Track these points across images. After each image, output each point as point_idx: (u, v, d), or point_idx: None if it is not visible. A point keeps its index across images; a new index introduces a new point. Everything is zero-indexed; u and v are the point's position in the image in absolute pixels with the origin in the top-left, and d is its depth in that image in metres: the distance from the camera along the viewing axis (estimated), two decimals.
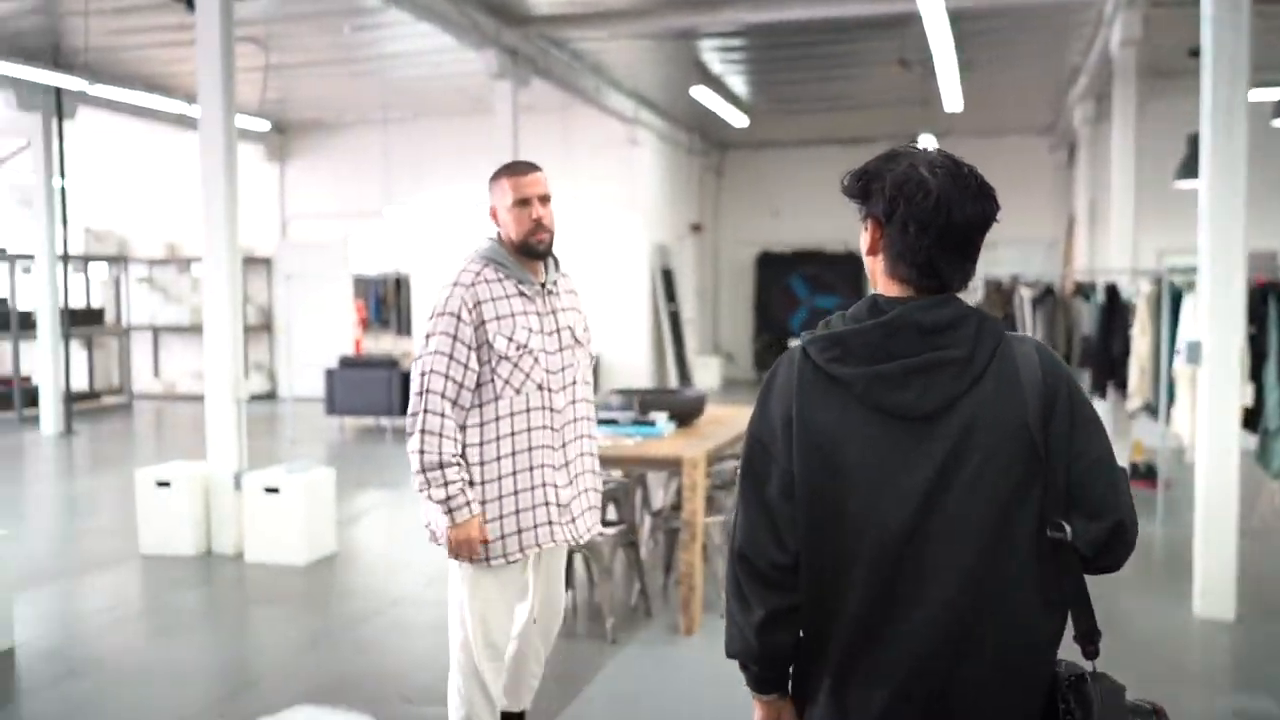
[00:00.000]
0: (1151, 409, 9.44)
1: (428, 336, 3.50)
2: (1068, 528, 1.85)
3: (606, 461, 5.72)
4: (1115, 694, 1.84)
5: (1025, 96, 15.80)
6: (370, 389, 13.12)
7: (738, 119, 15.60)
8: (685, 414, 6.52)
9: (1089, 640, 1.92)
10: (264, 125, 16.15)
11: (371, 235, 16.94)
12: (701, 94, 13.94)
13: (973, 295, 12.32)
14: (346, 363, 13.50)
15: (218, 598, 6.74)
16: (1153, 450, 9.93)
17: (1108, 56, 11.17)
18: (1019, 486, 1.84)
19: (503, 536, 3.56)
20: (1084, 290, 9.73)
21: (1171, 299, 9.32)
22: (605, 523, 6.08)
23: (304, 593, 6.74)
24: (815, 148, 19.03)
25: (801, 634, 1.98)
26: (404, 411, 13.10)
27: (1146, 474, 9.69)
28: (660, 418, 6.28)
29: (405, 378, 13.05)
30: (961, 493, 1.83)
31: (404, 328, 17.12)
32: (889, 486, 1.85)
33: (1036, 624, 1.87)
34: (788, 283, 18.91)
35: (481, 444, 3.52)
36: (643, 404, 6.41)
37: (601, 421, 6.24)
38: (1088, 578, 1.92)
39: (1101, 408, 10.23)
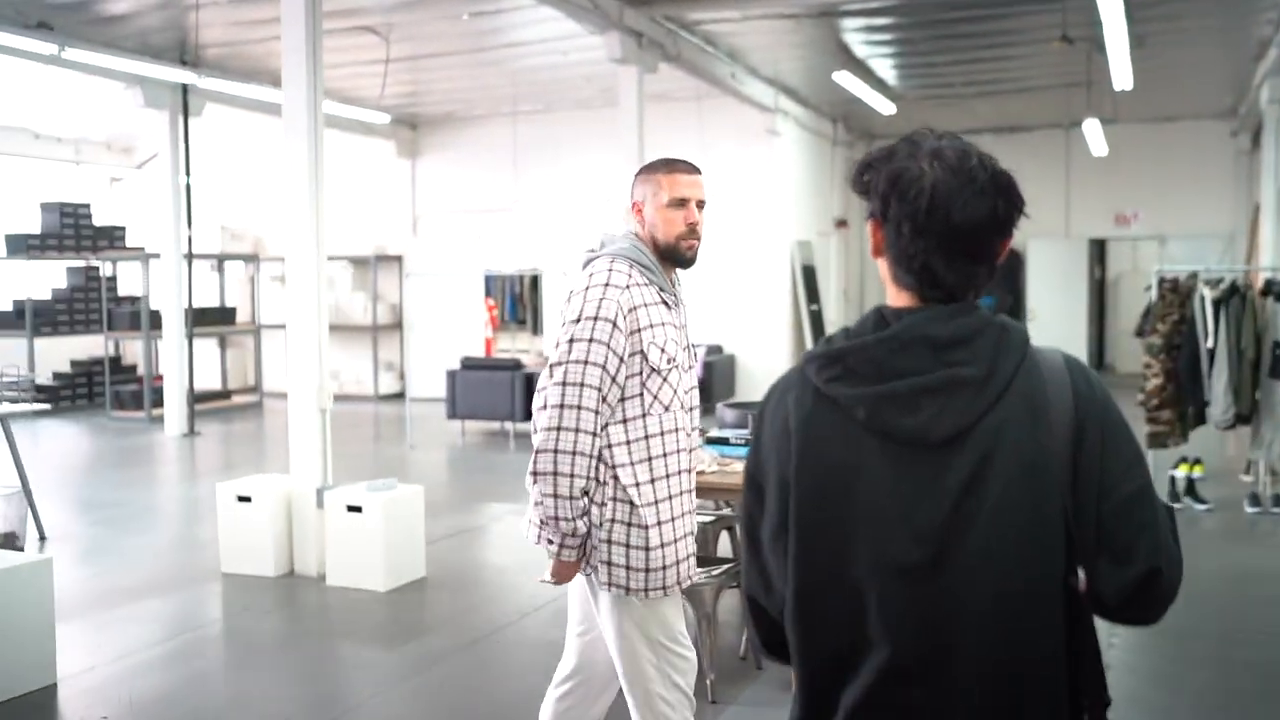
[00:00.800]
0: None
1: (571, 342, 3.07)
2: (1080, 574, 1.64)
3: (713, 490, 4.96)
4: None
5: (1203, 75, 14.39)
6: (493, 392, 12.58)
7: (884, 106, 14.60)
8: None
9: (1095, 705, 1.70)
10: (384, 119, 15.66)
11: (503, 231, 16.47)
12: (845, 79, 13.01)
13: (1145, 295, 11.14)
14: (468, 364, 13.00)
15: (287, 627, 6.18)
16: None
17: None
18: (1044, 524, 1.61)
19: (677, 563, 3.21)
20: (1277, 290, 8.54)
21: None
22: (712, 559, 5.33)
23: (381, 624, 6.14)
24: (969, 137, 17.65)
25: (802, 682, 1.74)
26: (527, 416, 12.55)
27: None
28: None
29: (529, 380, 12.49)
30: (981, 530, 1.59)
31: (538, 327, 16.57)
32: (900, 523, 1.62)
33: (1060, 676, 1.64)
34: None
35: (633, 464, 3.14)
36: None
37: (711, 440, 5.50)
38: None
39: None
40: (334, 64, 13.14)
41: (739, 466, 5.08)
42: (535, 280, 16.32)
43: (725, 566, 5.02)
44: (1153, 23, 11.05)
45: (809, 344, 15.87)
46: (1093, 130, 14.13)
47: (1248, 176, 16.62)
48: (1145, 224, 17.48)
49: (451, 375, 12.93)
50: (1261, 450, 8.60)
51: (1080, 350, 17.73)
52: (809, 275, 15.97)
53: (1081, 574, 1.64)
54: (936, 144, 1.68)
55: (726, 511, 5.83)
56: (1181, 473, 9.67)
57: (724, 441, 5.49)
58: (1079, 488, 1.61)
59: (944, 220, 1.64)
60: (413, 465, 11.30)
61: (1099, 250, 19.94)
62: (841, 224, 17.89)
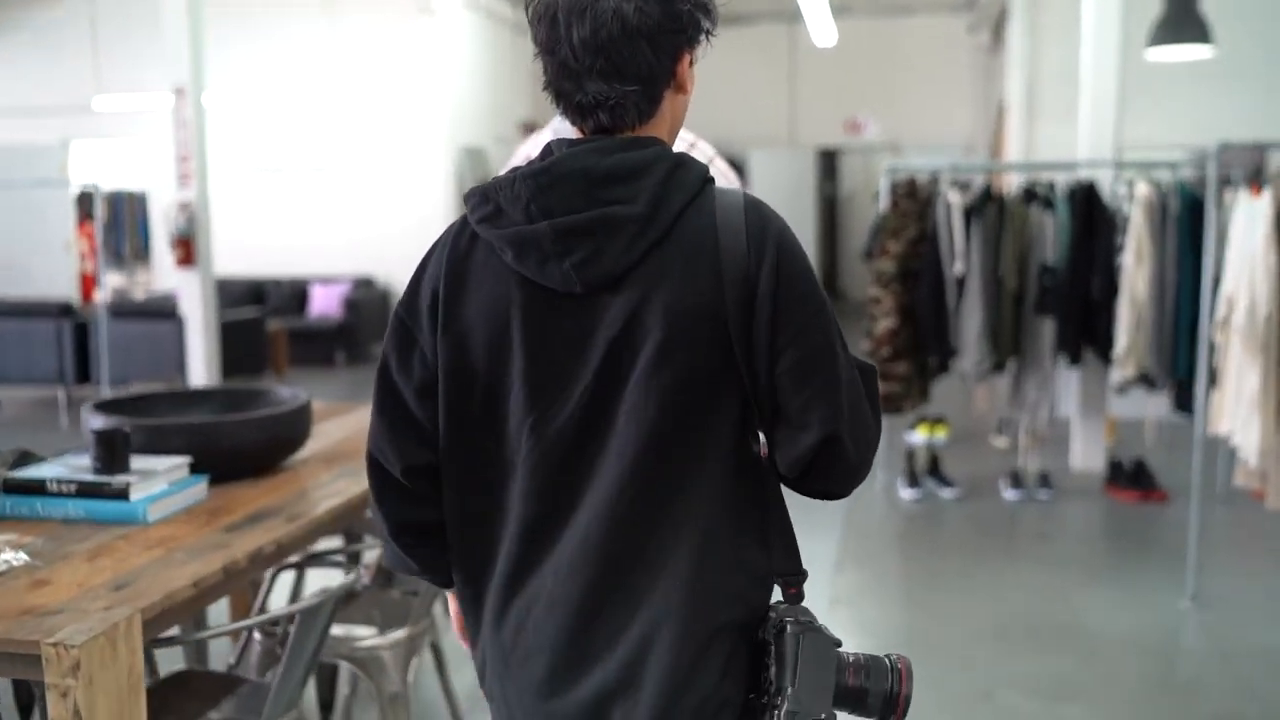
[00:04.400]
0: (1149, 380, 6.07)
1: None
2: (763, 440, 1.51)
3: None
4: (820, 646, 1.44)
5: None
6: (31, 346, 9.22)
7: None
8: (252, 450, 2.95)
9: (788, 582, 1.53)
10: None
11: (96, 138, 12.90)
12: None
13: (870, 205, 8.81)
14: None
15: None
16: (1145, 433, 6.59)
17: None
18: (709, 384, 1.45)
19: None
20: (1041, 195, 6.25)
21: (1186, 208, 5.93)
22: None
23: None
24: None
25: (455, 555, 1.60)
26: (82, 378, 9.33)
27: (1134, 478, 6.28)
28: (162, 470, 2.67)
29: (81, 330, 9.21)
30: (634, 389, 1.44)
31: (143, 257, 13.10)
32: (549, 381, 1.47)
33: (729, 553, 1.48)
34: None
35: None
36: (107, 441, 2.72)
37: (27, 488, 2.65)
38: None
39: (1069, 380, 6.81)
40: None
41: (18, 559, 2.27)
42: (133, 200, 12.82)
43: None
44: None
45: None
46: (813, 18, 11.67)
47: (985, 78, 14.72)
48: (877, 131, 15.42)
49: None
50: (1025, 412, 6.34)
51: None
52: None
53: (763, 438, 1.51)
54: None
55: None
56: (920, 437, 7.40)
57: (39, 489, 2.63)
58: (753, 344, 1.44)
59: (565, 37, 1.44)
60: None
61: (829, 163, 17.87)
62: (531, 128, 15.04)
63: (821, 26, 12.84)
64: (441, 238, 1.56)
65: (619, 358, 1.44)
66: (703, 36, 1.52)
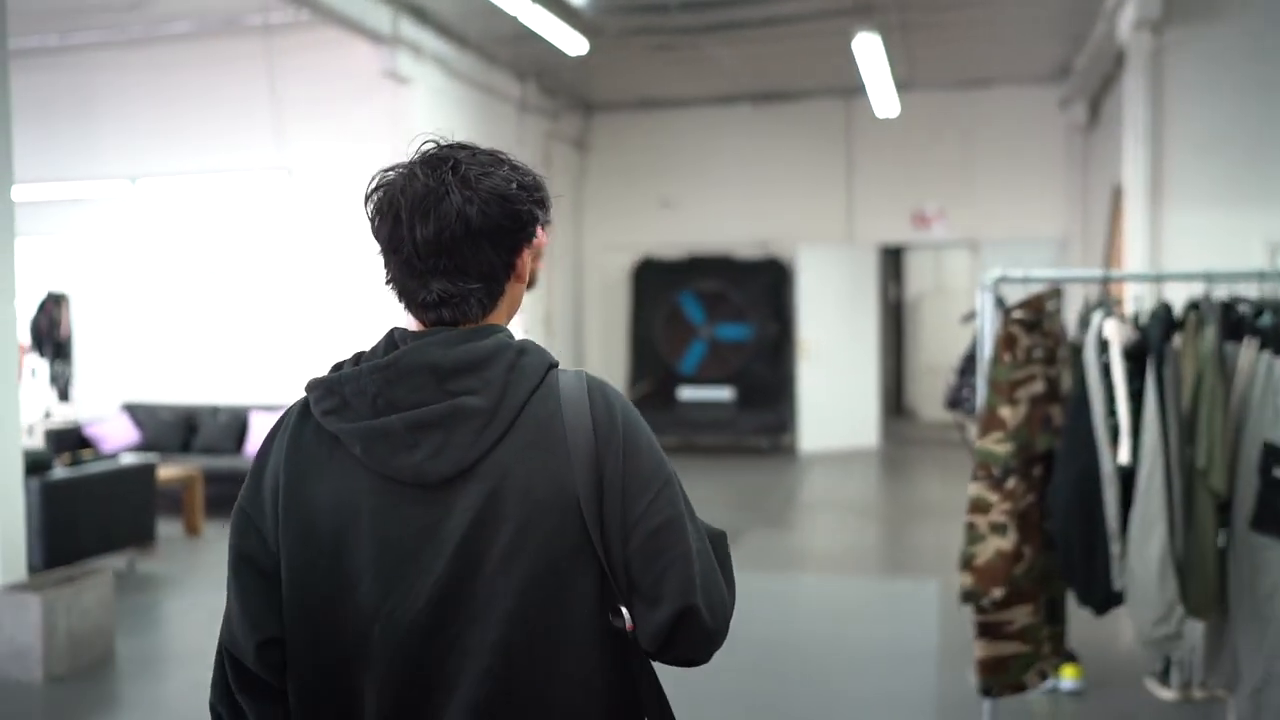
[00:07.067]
0: None
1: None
2: (626, 614, 1.46)
3: None
4: None
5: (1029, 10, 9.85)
6: None
7: (570, 42, 9.56)
8: None
9: None
10: None
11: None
12: None
13: (965, 330, 6.36)
14: None
15: None
16: None
17: None
18: (566, 568, 1.45)
19: None
20: (1263, 329, 3.74)
21: None
22: None
23: None
24: (721, 107, 13.19)
25: None
26: None
27: None
28: None
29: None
30: (490, 579, 1.43)
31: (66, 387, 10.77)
32: (400, 573, 1.45)
33: None
34: (678, 303, 12.80)
35: None
36: None
37: None
38: None
39: None
40: None
41: None
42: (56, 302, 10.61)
43: None
44: None
45: None
46: (869, 48, 9.28)
47: (1083, 161, 12.31)
48: (951, 226, 13.00)
49: None
50: (1246, 691, 3.76)
51: (871, 393, 13.07)
52: None
53: (625, 613, 1.46)
54: (434, 151, 1.50)
55: None
56: (1042, 685, 4.88)
57: None
58: (605, 524, 1.46)
59: (409, 236, 1.46)
60: None
61: (893, 262, 15.46)
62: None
63: (883, 97, 10.53)
64: (281, 422, 1.52)
65: (472, 547, 1.41)
66: (539, 227, 1.52)
